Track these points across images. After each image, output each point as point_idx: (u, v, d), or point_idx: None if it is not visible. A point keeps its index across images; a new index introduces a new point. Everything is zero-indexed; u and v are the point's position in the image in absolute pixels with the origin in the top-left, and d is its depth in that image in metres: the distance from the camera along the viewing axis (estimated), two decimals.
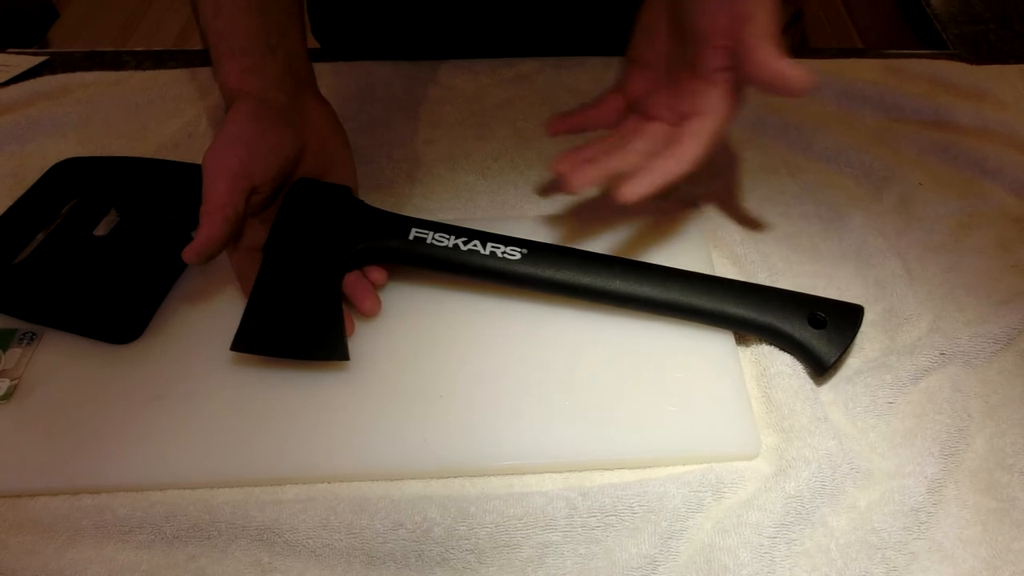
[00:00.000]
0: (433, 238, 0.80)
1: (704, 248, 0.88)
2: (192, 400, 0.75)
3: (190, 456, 0.71)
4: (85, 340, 0.80)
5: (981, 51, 1.20)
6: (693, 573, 0.65)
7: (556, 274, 0.79)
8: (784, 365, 0.77)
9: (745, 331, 0.80)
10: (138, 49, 1.21)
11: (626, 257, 0.83)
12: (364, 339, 0.79)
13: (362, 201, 0.84)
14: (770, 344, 0.79)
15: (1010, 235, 0.90)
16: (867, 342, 0.81)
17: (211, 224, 0.72)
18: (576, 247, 0.82)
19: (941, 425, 0.74)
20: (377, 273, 0.82)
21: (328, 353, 0.76)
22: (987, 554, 0.67)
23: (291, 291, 0.77)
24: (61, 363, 0.78)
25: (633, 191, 0.72)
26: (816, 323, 0.77)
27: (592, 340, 0.80)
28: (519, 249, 0.80)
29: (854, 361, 0.79)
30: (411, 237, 0.80)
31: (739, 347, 0.80)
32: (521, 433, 0.73)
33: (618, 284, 0.79)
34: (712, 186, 0.97)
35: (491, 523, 0.67)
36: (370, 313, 0.80)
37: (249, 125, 0.77)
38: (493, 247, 0.80)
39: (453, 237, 0.80)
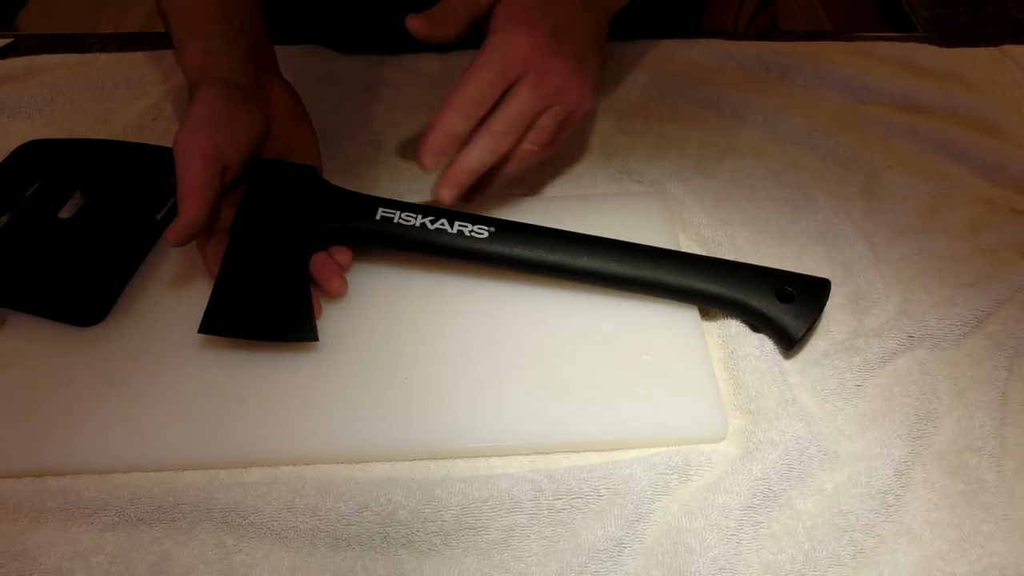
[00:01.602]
0: (400, 217, 0.80)
1: (671, 231, 0.87)
2: (157, 382, 0.75)
3: (154, 438, 0.71)
4: (49, 323, 0.79)
5: (950, 34, 1.20)
6: (660, 555, 0.65)
7: (524, 252, 0.79)
8: (752, 347, 0.77)
9: (713, 306, 0.80)
10: (104, 32, 1.20)
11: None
12: (330, 321, 0.79)
13: (327, 181, 0.84)
14: (738, 318, 0.79)
15: (979, 218, 0.90)
16: (835, 325, 0.81)
17: (192, 203, 0.72)
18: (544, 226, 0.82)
19: (909, 408, 0.74)
20: (343, 254, 0.82)
21: (297, 334, 0.76)
22: (955, 536, 0.67)
23: (258, 273, 0.77)
24: (25, 346, 0.78)
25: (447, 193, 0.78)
26: (783, 297, 0.78)
27: (559, 322, 0.79)
28: (487, 227, 0.80)
29: (821, 343, 0.79)
30: (378, 217, 0.80)
31: (706, 330, 0.80)
32: (487, 415, 0.72)
33: (586, 261, 0.79)
34: (678, 169, 0.97)
35: (456, 505, 0.67)
36: (337, 294, 0.79)
37: (218, 105, 0.77)
38: (461, 225, 0.79)
39: (420, 216, 0.80)
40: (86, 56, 1.14)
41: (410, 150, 1.00)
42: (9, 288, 0.80)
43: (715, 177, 0.96)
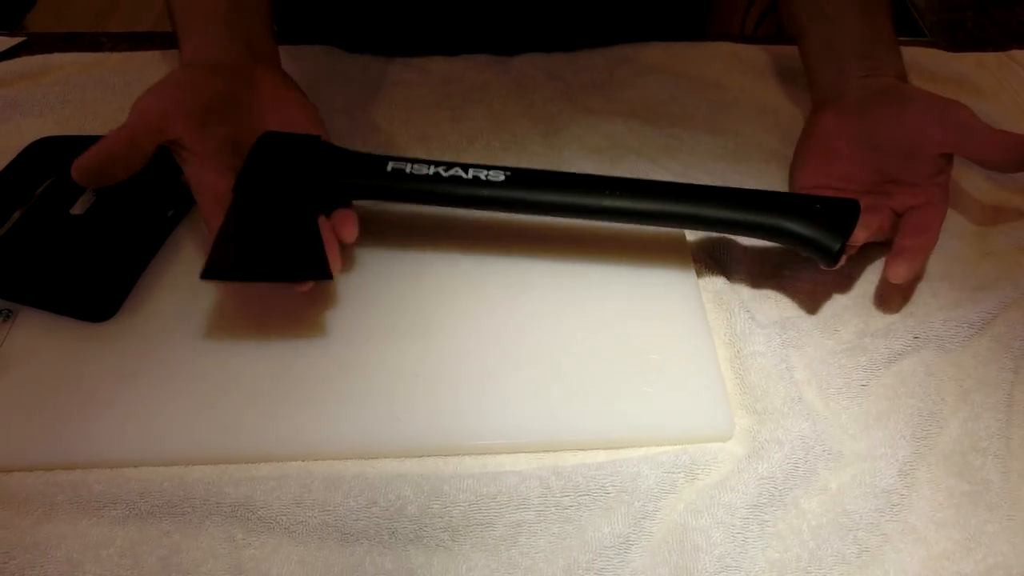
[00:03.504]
0: (412, 168, 0.79)
1: (679, 233, 0.88)
2: (167, 377, 0.75)
3: (164, 433, 0.71)
4: (61, 318, 0.79)
5: (958, 38, 1.21)
6: (666, 553, 0.65)
7: (543, 195, 0.79)
8: (758, 345, 0.77)
9: (745, 233, 0.80)
10: (115, 31, 1.20)
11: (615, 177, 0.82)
12: (340, 317, 0.79)
13: (334, 145, 0.82)
14: (770, 239, 0.79)
15: (986, 221, 0.91)
16: (842, 324, 0.81)
17: (101, 143, 0.72)
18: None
19: (914, 408, 0.74)
20: (350, 226, 0.79)
21: (308, 271, 0.74)
22: (960, 536, 0.67)
23: (264, 219, 0.75)
24: (37, 340, 0.78)
25: (907, 272, 0.78)
26: (814, 215, 0.77)
27: (567, 320, 0.80)
28: (503, 171, 0.79)
29: (829, 342, 0.80)
30: (389, 169, 0.79)
31: (713, 328, 0.80)
32: (495, 412, 0.73)
33: (609, 200, 0.78)
34: (687, 172, 0.97)
35: (465, 501, 0.67)
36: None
37: (176, 74, 0.79)
38: (475, 172, 0.79)
39: (432, 166, 0.79)
40: (98, 55, 1.14)
41: (422, 150, 1.00)
42: (21, 283, 0.81)
43: (725, 180, 0.96)
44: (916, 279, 0.83)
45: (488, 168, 0.79)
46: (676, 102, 1.08)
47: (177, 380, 0.75)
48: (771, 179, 0.96)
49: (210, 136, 0.78)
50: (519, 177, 0.79)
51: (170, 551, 0.65)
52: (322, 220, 0.78)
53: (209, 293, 0.78)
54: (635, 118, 1.05)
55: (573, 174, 0.80)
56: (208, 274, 0.71)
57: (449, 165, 0.79)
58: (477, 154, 1.00)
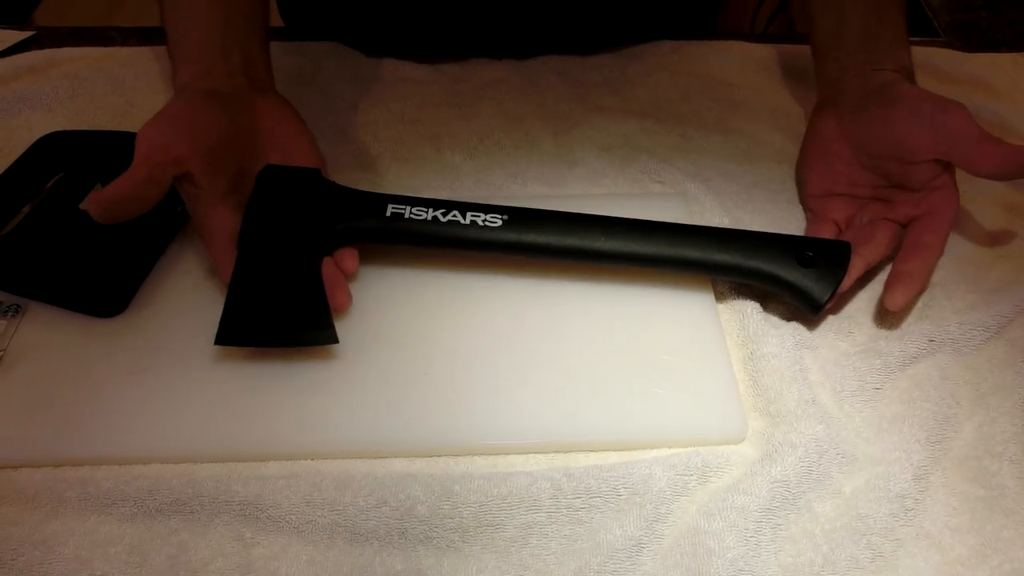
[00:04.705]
0: (411, 212, 0.79)
1: None
2: (176, 374, 0.75)
3: (173, 430, 0.71)
4: (70, 313, 0.79)
5: (972, 39, 1.20)
6: (678, 556, 0.65)
7: (539, 238, 0.79)
8: (772, 347, 0.77)
9: (734, 278, 0.80)
10: (124, 26, 1.20)
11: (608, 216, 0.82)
12: (351, 319, 0.79)
13: (333, 182, 0.83)
14: (761, 285, 0.79)
15: (1001, 224, 0.90)
16: (856, 327, 0.81)
17: (120, 180, 0.71)
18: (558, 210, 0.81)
19: (928, 412, 0.74)
20: (350, 260, 0.81)
21: (316, 337, 0.75)
22: (975, 542, 0.66)
23: (271, 278, 0.76)
24: (46, 336, 0.78)
25: (903, 299, 0.77)
26: (805, 262, 0.77)
27: (579, 321, 0.79)
28: (500, 216, 0.79)
29: (843, 344, 0.79)
30: (388, 214, 0.79)
31: (726, 329, 0.80)
32: (506, 413, 0.72)
33: (602, 242, 0.79)
34: (698, 171, 0.97)
35: (475, 502, 0.67)
36: (341, 308, 0.78)
37: (183, 106, 0.79)
38: (473, 216, 0.79)
39: (431, 210, 0.79)
40: (107, 49, 1.14)
41: (431, 148, 1.00)
42: (30, 279, 0.80)
43: (736, 179, 0.96)
44: (916, 298, 0.82)
45: (487, 211, 0.80)
46: (687, 101, 1.08)
47: (187, 377, 0.74)
48: (782, 179, 0.96)
49: (221, 172, 0.78)
50: (516, 220, 0.79)
51: (178, 549, 0.65)
52: (326, 261, 0.79)
53: (218, 289, 0.78)
54: (646, 117, 1.05)
55: (571, 214, 0.81)
56: (221, 340, 0.73)
57: (448, 208, 0.80)
58: (488, 151, 1.00)
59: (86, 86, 1.07)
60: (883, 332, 0.80)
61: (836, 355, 0.78)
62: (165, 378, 0.74)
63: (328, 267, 0.79)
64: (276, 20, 1.13)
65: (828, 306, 0.78)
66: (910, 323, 0.80)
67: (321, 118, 0.99)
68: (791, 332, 0.79)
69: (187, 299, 0.81)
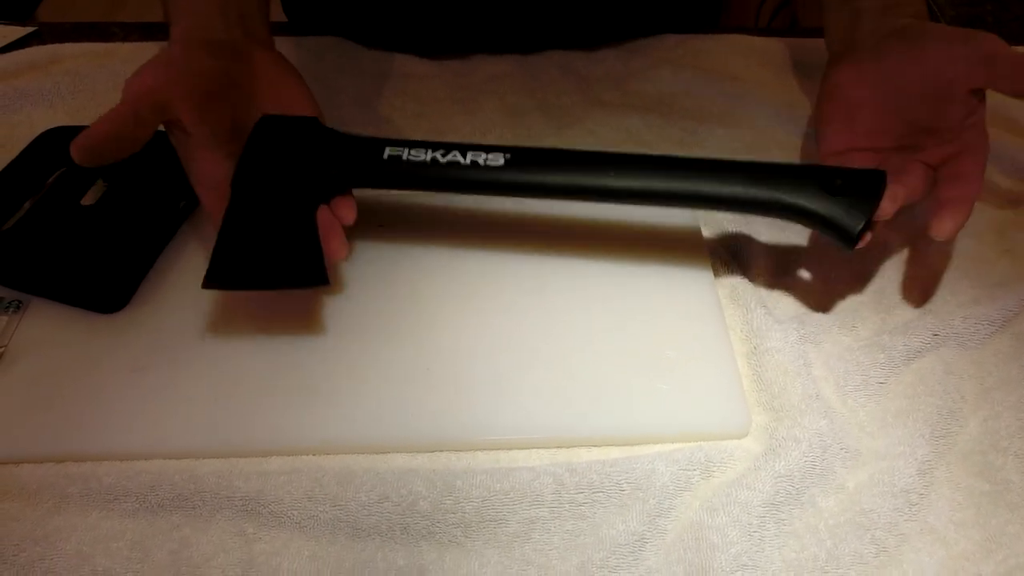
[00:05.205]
0: (409, 154, 0.77)
1: (695, 225, 0.88)
2: (178, 370, 0.74)
3: (175, 426, 0.71)
4: (71, 309, 0.79)
5: None
6: (681, 551, 0.65)
7: (545, 177, 0.76)
8: (775, 341, 0.76)
9: (757, 212, 0.75)
10: (126, 22, 1.20)
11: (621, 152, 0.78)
12: (352, 313, 0.79)
13: (330, 128, 0.81)
14: (788, 219, 0.75)
15: (1005, 218, 0.90)
16: (860, 321, 0.80)
17: (102, 120, 0.71)
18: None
19: (932, 407, 0.73)
20: (347, 209, 0.78)
21: (306, 279, 0.72)
22: (980, 537, 0.66)
23: (263, 221, 0.74)
24: (47, 332, 0.77)
25: (953, 225, 0.75)
26: (834, 191, 0.72)
27: (582, 316, 0.79)
28: (502, 154, 0.76)
29: (846, 339, 0.79)
30: (386, 156, 0.77)
31: (730, 324, 0.79)
32: (508, 408, 0.72)
33: (613, 179, 0.75)
34: None
35: (478, 497, 0.67)
36: (336, 256, 0.75)
37: (174, 50, 0.78)
38: (474, 156, 0.76)
39: (430, 150, 0.77)
40: (109, 45, 1.14)
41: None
42: (31, 274, 0.80)
43: None
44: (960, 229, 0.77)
45: (488, 150, 0.77)
46: (691, 95, 1.07)
47: (188, 372, 0.74)
48: None
49: (208, 118, 0.76)
50: (519, 159, 0.76)
51: (180, 544, 0.65)
52: (322, 208, 0.77)
53: None
54: (650, 111, 1.05)
55: (575, 151, 0.77)
56: (209, 283, 0.71)
57: (448, 149, 0.77)
58: None
59: (87, 82, 1.07)
60: (887, 327, 0.80)
61: (840, 350, 0.78)
62: (167, 374, 0.74)
63: (324, 214, 0.76)
64: (279, 15, 1.13)
65: (864, 240, 0.72)
66: (914, 317, 0.80)
67: (323, 113, 0.99)
68: (795, 327, 0.78)
69: (189, 295, 0.80)
